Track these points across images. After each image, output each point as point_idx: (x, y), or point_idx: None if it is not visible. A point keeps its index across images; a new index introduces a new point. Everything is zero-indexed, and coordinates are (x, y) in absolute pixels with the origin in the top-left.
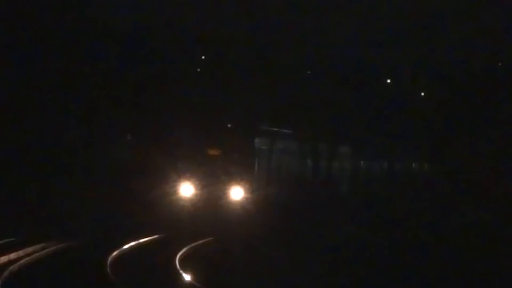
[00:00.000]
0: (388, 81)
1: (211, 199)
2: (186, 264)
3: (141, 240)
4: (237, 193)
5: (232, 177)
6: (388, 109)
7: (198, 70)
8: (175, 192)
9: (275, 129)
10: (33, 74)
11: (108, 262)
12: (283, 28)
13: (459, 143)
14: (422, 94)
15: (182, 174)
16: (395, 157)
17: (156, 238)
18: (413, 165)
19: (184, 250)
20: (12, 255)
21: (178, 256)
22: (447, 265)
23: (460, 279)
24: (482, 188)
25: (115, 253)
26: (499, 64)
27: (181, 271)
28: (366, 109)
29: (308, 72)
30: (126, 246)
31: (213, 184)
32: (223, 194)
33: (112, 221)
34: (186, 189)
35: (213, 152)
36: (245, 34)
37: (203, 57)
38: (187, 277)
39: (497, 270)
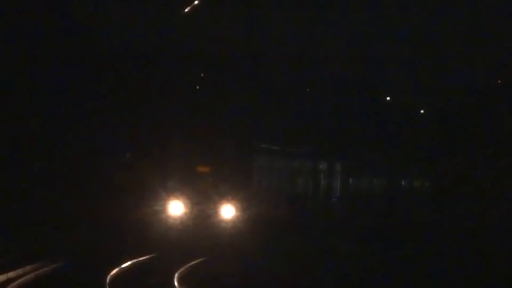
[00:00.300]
0: (388, 98)
1: (201, 218)
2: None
3: (124, 265)
4: (228, 211)
5: (223, 195)
6: (387, 126)
7: (197, 87)
8: (163, 210)
9: (273, 146)
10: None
11: None
12: (281, 46)
13: (458, 159)
14: (422, 111)
15: (171, 192)
16: (395, 174)
17: (144, 259)
18: (414, 182)
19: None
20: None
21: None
22: None
23: None
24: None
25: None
26: (499, 81)
27: None
28: (366, 126)
29: (308, 89)
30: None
31: (203, 202)
32: (213, 213)
33: (98, 240)
34: (175, 207)
35: (202, 169)
36: (243, 51)
37: (202, 75)
38: None
39: None
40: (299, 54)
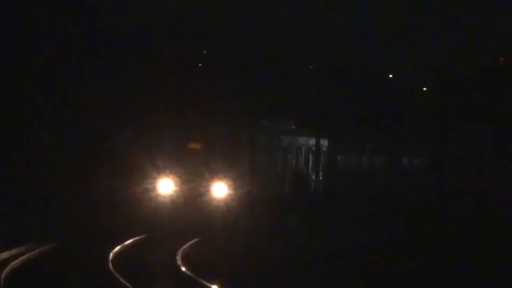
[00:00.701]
0: (390, 76)
1: (192, 196)
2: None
3: (122, 244)
4: (220, 189)
5: (215, 173)
6: (390, 104)
7: (200, 65)
8: (153, 189)
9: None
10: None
11: None
12: (285, 23)
13: (460, 137)
14: (424, 89)
15: (161, 170)
16: (397, 152)
17: (137, 240)
18: (415, 160)
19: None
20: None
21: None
22: None
23: None
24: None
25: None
26: (501, 59)
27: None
28: (368, 104)
29: (310, 67)
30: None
31: (194, 180)
32: (205, 191)
33: (89, 221)
34: (166, 186)
35: (193, 145)
36: (247, 28)
37: (204, 52)
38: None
39: None
40: (302, 32)
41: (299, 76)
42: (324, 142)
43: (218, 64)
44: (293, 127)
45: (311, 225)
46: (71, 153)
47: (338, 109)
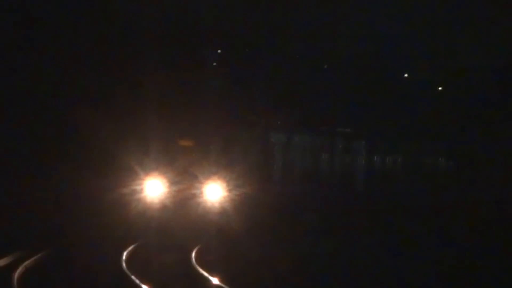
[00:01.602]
0: (406, 75)
1: (184, 199)
2: None
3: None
4: (214, 191)
5: (209, 172)
6: (405, 103)
7: (215, 64)
8: (141, 190)
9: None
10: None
11: None
12: (299, 22)
13: (476, 138)
14: (440, 88)
15: (150, 170)
16: (412, 152)
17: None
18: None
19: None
20: None
21: None
22: None
23: None
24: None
25: None
26: None
27: None
28: (383, 103)
29: (325, 66)
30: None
31: (185, 181)
32: (197, 193)
33: (71, 226)
34: (154, 187)
35: (185, 143)
36: (262, 27)
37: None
38: None
39: None
40: (316, 31)
41: (312, 75)
42: (341, 142)
43: (232, 62)
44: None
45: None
46: (52, 148)
47: (354, 109)
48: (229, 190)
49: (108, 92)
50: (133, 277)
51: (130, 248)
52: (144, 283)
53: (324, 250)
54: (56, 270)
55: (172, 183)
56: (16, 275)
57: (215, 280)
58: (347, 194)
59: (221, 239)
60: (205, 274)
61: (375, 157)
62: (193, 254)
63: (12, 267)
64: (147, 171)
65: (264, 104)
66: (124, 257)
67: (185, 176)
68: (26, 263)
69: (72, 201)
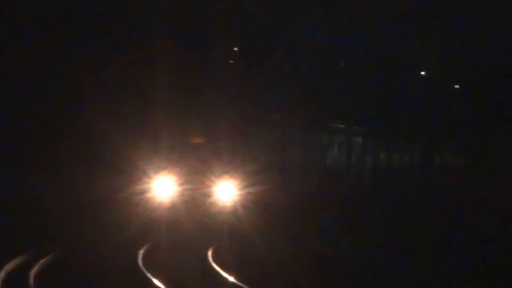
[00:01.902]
0: (423, 73)
1: (195, 198)
2: None
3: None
4: (226, 190)
5: (220, 171)
6: (421, 101)
7: (231, 61)
8: (151, 190)
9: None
10: None
11: None
12: (315, 19)
13: (493, 136)
14: (457, 86)
15: (160, 168)
16: (429, 150)
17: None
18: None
19: None
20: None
21: None
22: None
23: None
24: None
25: None
26: None
27: None
28: (399, 101)
29: (342, 64)
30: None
31: (196, 180)
32: (209, 192)
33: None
34: (165, 186)
35: (196, 140)
36: (277, 24)
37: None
38: None
39: None
40: (333, 28)
41: (330, 73)
42: (358, 140)
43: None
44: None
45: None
46: (61, 148)
47: (371, 106)
48: (242, 189)
49: (117, 90)
50: (149, 275)
51: (145, 248)
52: (163, 283)
53: (340, 250)
54: (71, 269)
55: (182, 182)
56: (32, 273)
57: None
58: (364, 192)
59: (235, 240)
60: (224, 274)
61: (392, 155)
62: (209, 254)
63: (28, 265)
64: (157, 169)
65: (280, 101)
66: (140, 257)
67: (196, 175)
68: (42, 261)
69: (82, 201)
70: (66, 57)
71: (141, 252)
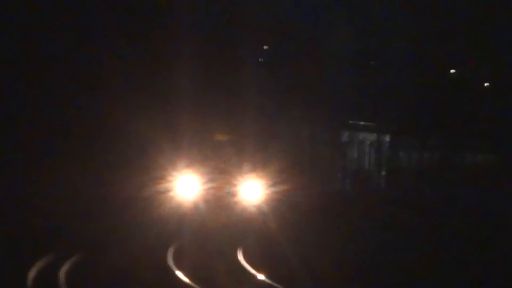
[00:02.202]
0: (452, 71)
1: (219, 198)
2: None
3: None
4: (252, 189)
5: (245, 169)
6: (452, 99)
7: (260, 60)
8: (174, 189)
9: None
10: None
11: None
12: (345, 19)
13: None
14: (486, 84)
15: (183, 166)
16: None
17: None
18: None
19: None
20: None
21: None
22: None
23: None
24: None
25: None
26: None
27: None
28: (430, 99)
29: (372, 62)
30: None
31: (221, 178)
32: (234, 191)
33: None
34: (188, 185)
35: (220, 137)
36: (306, 24)
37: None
38: None
39: None
40: (363, 27)
41: (357, 72)
42: (386, 138)
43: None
44: (351, 121)
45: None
46: (82, 146)
47: (400, 105)
48: (268, 188)
49: (140, 86)
50: (181, 274)
51: (173, 247)
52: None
53: (368, 250)
54: (101, 268)
55: (206, 181)
56: (62, 272)
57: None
58: (396, 192)
59: (262, 240)
60: (256, 273)
61: (424, 153)
62: (239, 254)
63: (57, 264)
64: (181, 168)
65: (309, 99)
66: (169, 256)
67: (220, 174)
68: (71, 260)
69: (107, 200)
70: (89, 52)
71: (170, 251)
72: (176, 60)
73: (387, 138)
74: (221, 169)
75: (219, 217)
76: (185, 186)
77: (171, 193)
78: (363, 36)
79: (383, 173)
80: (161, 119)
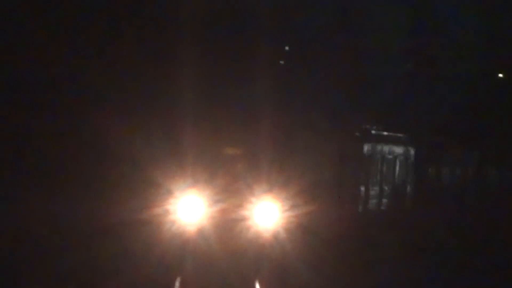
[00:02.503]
0: (500, 75)
1: (229, 222)
2: None
3: None
4: (267, 212)
5: (260, 189)
6: (500, 105)
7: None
8: (176, 211)
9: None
10: None
11: None
12: (377, 18)
13: None
14: None
15: (186, 185)
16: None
17: None
18: None
19: None
20: None
21: None
22: None
23: None
24: None
25: None
26: None
27: None
28: (476, 106)
29: (408, 65)
30: None
31: (231, 199)
32: (246, 214)
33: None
34: (192, 207)
35: (231, 151)
36: (333, 23)
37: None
38: None
39: None
40: (398, 28)
41: (394, 78)
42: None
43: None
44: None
45: None
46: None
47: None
48: (287, 211)
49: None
50: None
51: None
52: None
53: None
54: None
55: (214, 202)
56: None
57: None
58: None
59: (279, 274)
60: None
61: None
62: None
63: None
64: (184, 187)
65: (338, 107)
66: None
67: (230, 194)
68: None
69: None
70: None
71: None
72: (182, 57)
73: (422, 152)
74: (231, 189)
75: (228, 245)
76: (189, 209)
77: (171, 217)
78: (399, 37)
79: (417, 191)
80: (161, 128)
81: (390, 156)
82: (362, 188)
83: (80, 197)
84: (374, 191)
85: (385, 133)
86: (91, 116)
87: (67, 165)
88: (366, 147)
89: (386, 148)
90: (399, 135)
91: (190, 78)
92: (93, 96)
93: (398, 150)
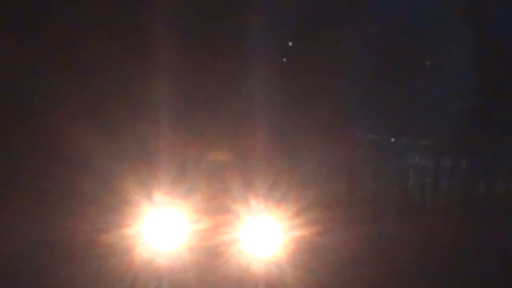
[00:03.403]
0: None
1: (214, 245)
2: None
3: None
4: (263, 232)
5: (254, 203)
6: None
7: (284, 59)
8: (146, 230)
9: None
10: None
11: None
12: (384, 17)
13: None
14: None
15: (160, 199)
16: None
17: None
18: None
19: None
20: None
21: None
22: None
23: None
24: None
25: None
26: None
27: None
28: (500, 110)
29: (428, 63)
30: None
31: (216, 216)
32: (235, 235)
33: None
34: (167, 226)
35: (218, 157)
36: (341, 14)
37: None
38: None
39: None
40: (426, 26)
41: (410, 76)
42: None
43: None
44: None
45: None
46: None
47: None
48: (288, 231)
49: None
50: None
51: None
52: None
53: None
54: None
55: (196, 219)
56: None
57: None
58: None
59: None
60: None
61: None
62: None
63: None
64: (157, 200)
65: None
66: None
67: (216, 209)
68: None
69: (57, 247)
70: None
71: None
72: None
73: (449, 161)
74: (219, 203)
75: (213, 275)
76: (164, 228)
77: (142, 238)
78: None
79: (445, 207)
80: (130, 128)
81: (413, 166)
82: (382, 203)
83: (35, 213)
84: (396, 206)
85: (405, 139)
86: (53, 119)
87: (25, 178)
88: (383, 155)
89: (408, 157)
90: (422, 141)
91: (168, 74)
92: (56, 100)
93: (423, 159)
